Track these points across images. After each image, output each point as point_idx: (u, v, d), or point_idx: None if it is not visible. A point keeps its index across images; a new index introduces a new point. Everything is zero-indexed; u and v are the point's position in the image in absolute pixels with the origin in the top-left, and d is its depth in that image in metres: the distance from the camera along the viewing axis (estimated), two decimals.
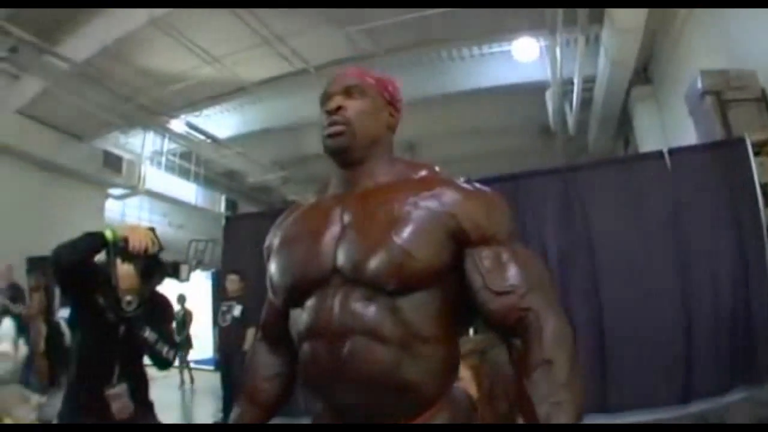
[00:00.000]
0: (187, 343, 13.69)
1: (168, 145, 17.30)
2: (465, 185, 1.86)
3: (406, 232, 1.71)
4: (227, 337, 9.03)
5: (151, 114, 14.92)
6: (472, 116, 15.51)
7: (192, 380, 14.34)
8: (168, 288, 3.79)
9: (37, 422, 6.64)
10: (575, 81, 12.24)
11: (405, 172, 1.94)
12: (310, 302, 1.80)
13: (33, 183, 13.85)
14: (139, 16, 10.32)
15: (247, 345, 8.27)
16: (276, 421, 2.13)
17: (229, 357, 9.03)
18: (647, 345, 6.53)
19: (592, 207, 7.05)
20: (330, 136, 1.90)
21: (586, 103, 13.43)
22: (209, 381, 13.09)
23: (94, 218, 14.87)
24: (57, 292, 9.91)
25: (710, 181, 6.76)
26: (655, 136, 12.25)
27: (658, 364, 6.48)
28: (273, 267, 1.96)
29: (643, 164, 7.29)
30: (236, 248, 8.90)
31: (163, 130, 16.38)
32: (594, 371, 6.45)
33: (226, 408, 8.84)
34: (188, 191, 18.90)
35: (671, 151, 7.08)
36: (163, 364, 3.55)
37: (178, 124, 15.77)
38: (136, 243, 3.35)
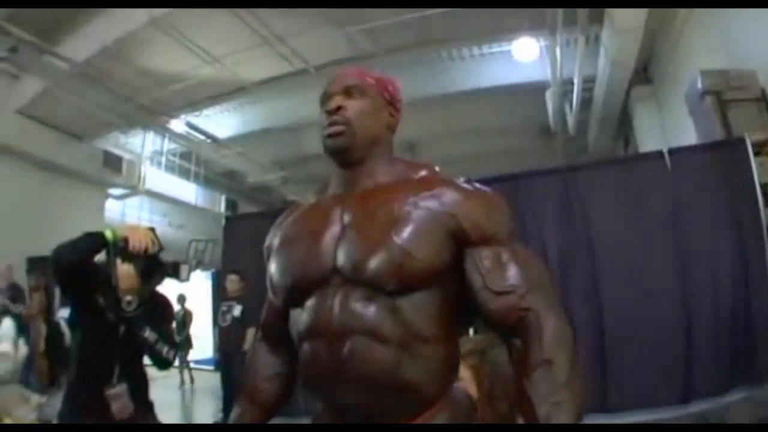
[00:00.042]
0: (187, 343, 13.69)
1: (168, 145, 17.30)
2: (465, 185, 1.86)
3: (406, 232, 1.71)
4: (227, 337, 9.03)
5: (151, 114, 14.92)
6: (472, 116, 15.51)
7: (192, 380, 14.34)
8: (168, 288, 3.79)
9: (37, 422, 6.64)
10: (575, 81, 12.24)
11: (405, 172, 1.94)
12: (310, 302, 1.80)
13: (33, 183, 13.85)
14: (139, 16, 10.32)
15: (247, 345, 8.27)
16: (276, 421, 2.13)
17: (229, 357, 9.03)
18: (647, 345, 6.54)
19: (592, 207, 7.05)
20: (330, 136, 1.90)
21: (586, 103, 13.43)
22: (209, 381, 13.09)
23: (94, 218, 14.87)
24: (57, 292, 9.92)
25: (710, 181, 6.76)
26: (655, 136, 12.25)
27: (658, 364, 6.48)
28: (273, 267, 1.96)
29: (643, 164, 7.29)
30: (236, 248, 8.90)
31: (163, 130, 16.39)
32: (594, 371, 6.45)
33: (226, 408, 8.84)
34: (188, 191, 18.91)
35: (671, 151, 7.09)
36: (164, 364, 3.55)
37: (178, 124, 15.77)
38: (136, 243, 3.35)
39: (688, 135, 8.84)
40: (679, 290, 6.61)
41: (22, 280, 10.98)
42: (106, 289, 3.39)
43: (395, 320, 1.67)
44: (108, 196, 17.04)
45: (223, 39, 11.91)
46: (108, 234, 3.35)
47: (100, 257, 3.43)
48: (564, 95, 13.41)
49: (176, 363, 11.06)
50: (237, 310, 8.83)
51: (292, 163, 18.88)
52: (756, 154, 6.69)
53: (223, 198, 21.04)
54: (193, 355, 14.83)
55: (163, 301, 3.81)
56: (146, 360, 3.60)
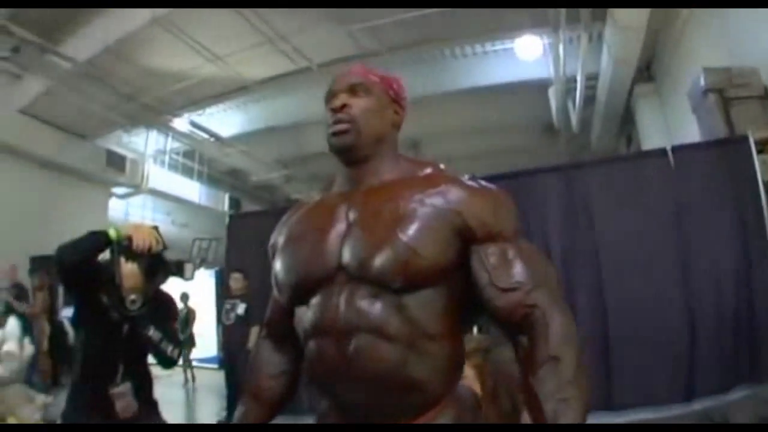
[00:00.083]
0: (190, 342, 13.69)
1: (171, 143, 17.33)
2: (470, 183, 1.85)
3: (412, 229, 1.70)
4: (231, 336, 9.03)
5: (154, 113, 14.94)
6: (475, 114, 15.51)
7: (193, 378, 14.32)
8: (171, 286, 3.78)
9: (42, 422, 6.64)
10: (578, 79, 12.23)
11: (410, 170, 1.94)
12: (315, 300, 1.79)
13: (36, 182, 13.87)
14: (142, 15, 10.33)
15: (251, 343, 8.27)
16: (280, 419, 2.13)
17: (232, 355, 9.03)
18: (651, 343, 6.53)
19: (595, 205, 7.05)
20: (335, 134, 1.90)
21: (589, 100, 13.44)
22: (213, 379, 13.10)
23: (98, 217, 14.90)
24: (60, 291, 9.94)
25: (713, 179, 6.76)
26: (658, 134, 12.25)
27: (661, 362, 6.48)
28: (278, 265, 1.95)
29: (646, 162, 7.29)
30: (240, 247, 8.92)
31: (167, 129, 16.41)
32: (598, 369, 6.45)
33: (230, 406, 8.84)
34: (191, 190, 18.93)
35: (674, 149, 7.08)
36: (168, 362, 3.54)
37: (181, 123, 15.80)
38: (140, 241, 3.34)
39: (691, 132, 8.83)
40: (682, 288, 6.61)
41: (26, 279, 10.99)
42: (110, 288, 3.38)
43: (401, 318, 1.67)
44: (111, 195, 17.08)
45: (226, 37, 11.92)
46: (112, 233, 3.33)
47: (104, 256, 3.42)
48: (567, 93, 13.41)
49: (180, 361, 11.07)
50: (241, 309, 8.84)
51: (296, 161, 18.91)
52: (759, 151, 6.69)
53: (227, 196, 21.07)
54: (196, 354, 14.83)
55: (167, 300, 3.79)
56: (150, 359, 3.60)
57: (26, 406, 6.89)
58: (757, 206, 6.53)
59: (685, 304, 6.56)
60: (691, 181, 6.81)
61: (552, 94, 13.67)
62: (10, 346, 6.96)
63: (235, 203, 21.22)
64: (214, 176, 19.47)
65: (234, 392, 8.79)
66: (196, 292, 13.54)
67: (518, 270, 1.68)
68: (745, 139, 6.77)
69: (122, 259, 3.37)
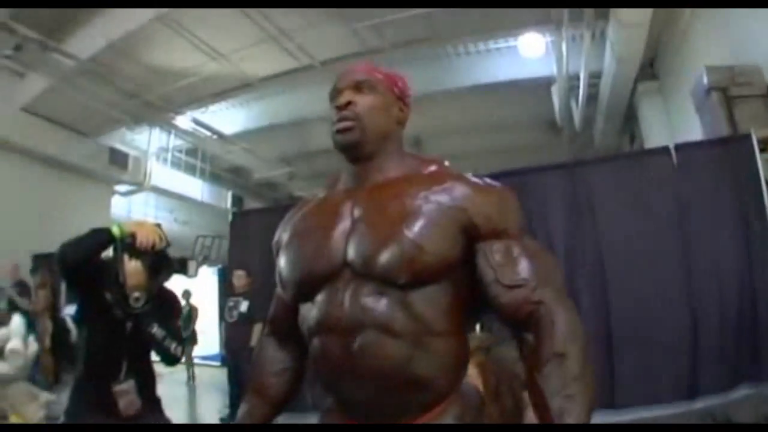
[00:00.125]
0: (192, 339, 13.68)
1: (174, 141, 17.32)
2: (476, 180, 1.86)
3: (418, 226, 1.71)
4: (234, 333, 9.02)
5: (157, 110, 14.93)
6: (478, 112, 15.51)
7: (193, 377, 14.28)
8: (173, 284, 3.77)
9: (46, 420, 6.65)
10: (581, 76, 12.24)
11: (415, 167, 1.94)
12: (320, 297, 1.79)
13: (39, 180, 13.85)
14: (144, 12, 10.33)
15: (254, 341, 8.28)
16: (283, 416, 2.13)
17: (235, 353, 9.02)
18: (653, 341, 6.54)
19: (598, 203, 7.06)
20: (340, 131, 1.90)
21: (591, 98, 13.41)
22: (215, 377, 13.10)
23: (100, 215, 14.84)
24: (63, 289, 9.94)
25: (716, 177, 6.76)
26: (661, 132, 12.23)
27: (664, 361, 6.48)
28: (283, 262, 1.95)
29: (649, 160, 7.29)
30: (243, 244, 8.94)
31: (169, 127, 16.41)
32: (601, 368, 6.44)
33: (233, 404, 8.86)
34: (194, 187, 18.93)
35: (677, 147, 7.08)
36: (171, 360, 3.53)
37: (183, 121, 15.80)
38: (144, 239, 3.34)
39: (694, 130, 8.83)
40: (685, 286, 6.62)
41: (28, 277, 10.99)
42: (113, 286, 3.37)
43: (407, 314, 1.67)
44: (114, 192, 17.05)
45: (229, 35, 11.93)
46: (115, 230, 3.32)
47: (107, 254, 3.42)
48: (570, 91, 13.39)
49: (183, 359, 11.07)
50: (244, 306, 8.83)
51: (298, 158, 18.92)
52: (762, 150, 6.69)
53: (229, 194, 21.10)
54: (199, 351, 14.83)
55: (170, 297, 3.79)
56: (153, 356, 3.59)
57: (30, 404, 6.90)
58: (760, 204, 6.53)
59: (688, 302, 6.57)
60: (693, 179, 6.81)
61: (555, 91, 13.67)
62: (15, 343, 6.96)
63: (237, 201, 21.24)
64: (216, 174, 19.44)
65: (237, 390, 8.80)
66: (199, 289, 13.53)
67: (523, 267, 1.69)
68: (748, 137, 6.77)
69: (126, 257, 3.37)
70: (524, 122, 16.66)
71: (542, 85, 13.67)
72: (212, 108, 15.72)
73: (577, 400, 1.47)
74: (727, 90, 7.59)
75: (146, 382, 3.53)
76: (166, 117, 15.52)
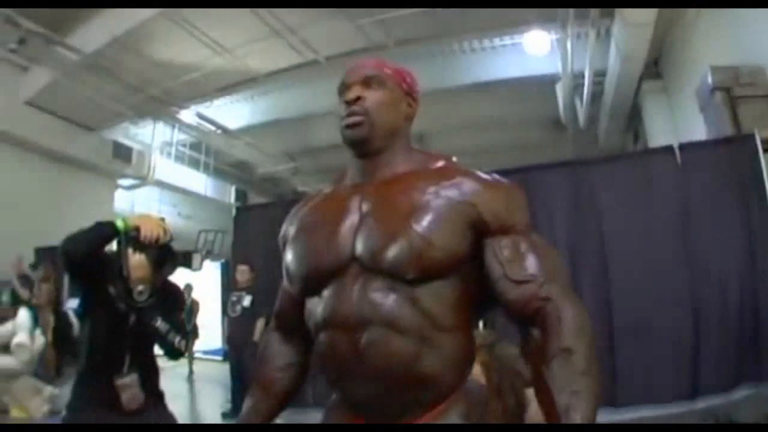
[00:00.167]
0: (193, 333, 13.69)
1: (178, 135, 17.30)
2: (484, 176, 1.86)
3: (426, 220, 1.71)
4: (237, 328, 9.05)
5: (161, 104, 14.93)
6: (482, 109, 15.49)
7: (192, 371, 14.28)
8: (176, 278, 3.77)
9: (50, 414, 6.65)
10: (586, 74, 12.21)
11: (423, 163, 1.94)
12: (327, 292, 1.79)
13: (42, 174, 13.88)
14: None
15: (257, 336, 8.31)
16: (284, 412, 2.13)
17: (238, 348, 9.06)
18: (655, 340, 6.54)
19: (602, 201, 7.06)
20: (349, 126, 1.90)
21: (596, 96, 13.41)
22: (217, 371, 13.13)
23: (104, 209, 14.87)
24: (65, 282, 9.94)
25: (720, 177, 6.76)
26: (665, 131, 12.21)
27: (665, 360, 6.49)
28: (289, 256, 1.95)
29: (653, 159, 7.29)
30: (246, 239, 8.95)
31: (173, 121, 16.40)
32: (603, 366, 6.44)
33: (235, 399, 8.88)
34: (198, 182, 18.90)
35: (681, 147, 7.08)
36: (175, 354, 3.52)
37: (188, 115, 15.82)
38: (148, 232, 3.33)
39: (698, 130, 8.83)
40: (687, 285, 6.61)
41: (31, 271, 11.00)
42: (116, 279, 3.37)
43: (414, 310, 1.67)
44: (118, 186, 17.07)
45: (234, 30, 11.92)
46: (119, 223, 3.32)
47: (111, 247, 3.43)
48: (575, 89, 13.38)
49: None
50: (247, 301, 8.86)
51: (303, 154, 18.94)
52: (765, 150, 6.69)
53: (233, 189, 21.08)
54: (201, 346, 14.86)
55: (175, 291, 3.80)
56: (156, 350, 3.60)
57: (34, 398, 6.91)
58: (763, 205, 6.52)
59: (690, 301, 6.57)
60: (697, 178, 6.81)
61: (559, 89, 13.65)
62: (21, 337, 6.97)
63: (241, 195, 21.23)
64: (220, 168, 19.44)
65: (239, 384, 8.83)
66: (202, 284, 13.56)
67: (531, 263, 1.69)
68: (752, 137, 6.77)
69: (130, 250, 3.37)
70: (528, 120, 16.66)
71: (547, 83, 13.65)
72: (216, 102, 15.71)
73: (584, 396, 1.47)
74: (731, 90, 7.59)
75: (149, 376, 3.53)
76: (170, 111, 15.52)
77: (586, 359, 1.53)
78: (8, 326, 6.99)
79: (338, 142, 1.95)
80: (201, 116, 15.97)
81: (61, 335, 8.65)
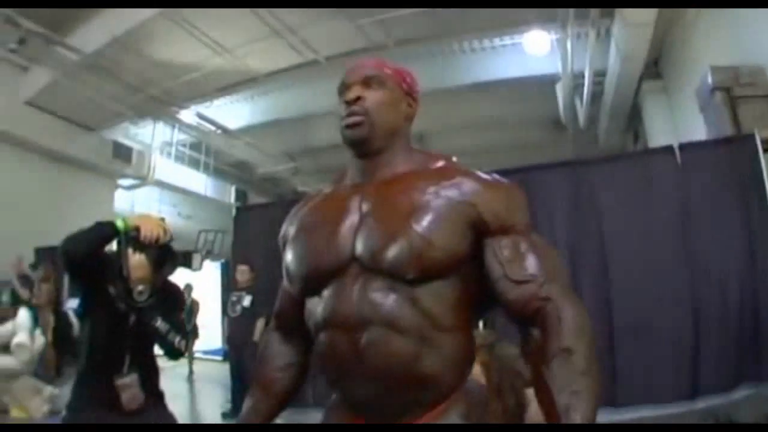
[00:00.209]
0: (193, 333, 13.68)
1: (178, 135, 17.30)
2: (484, 176, 1.86)
3: (427, 220, 1.71)
4: (237, 328, 9.05)
5: (161, 104, 14.93)
6: (482, 109, 15.49)
7: (192, 370, 14.28)
8: (176, 278, 3.77)
9: (50, 414, 6.65)
10: (586, 74, 12.21)
11: (423, 163, 1.94)
12: (327, 292, 1.79)
13: (42, 173, 13.89)
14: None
15: (257, 336, 8.32)
16: (284, 412, 2.13)
17: (238, 348, 9.07)
18: (655, 340, 6.55)
19: (602, 201, 7.06)
20: (349, 126, 1.90)
21: (596, 96, 13.42)
22: (217, 371, 13.13)
23: (104, 209, 14.87)
24: (65, 282, 9.95)
25: (720, 177, 6.76)
26: (664, 131, 12.22)
27: (665, 360, 6.49)
28: (289, 255, 1.95)
29: (653, 159, 7.30)
30: (246, 239, 8.95)
31: (173, 121, 16.39)
32: (603, 366, 6.44)
33: (235, 399, 8.89)
34: (198, 182, 18.89)
35: (681, 147, 7.08)
36: (175, 354, 3.52)
37: (188, 115, 15.82)
38: (148, 232, 3.32)
39: (698, 130, 8.83)
40: (686, 286, 6.62)
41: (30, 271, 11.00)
42: (117, 279, 3.37)
43: (414, 310, 1.67)
44: (117, 186, 17.07)
45: (234, 30, 11.92)
46: (119, 223, 3.32)
47: (111, 247, 3.42)
48: (575, 89, 13.38)
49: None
50: (247, 301, 8.86)
51: (302, 154, 18.94)
52: (765, 150, 6.69)
53: (233, 189, 21.08)
54: (201, 346, 14.86)
55: (175, 291, 3.80)
56: (156, 350, 3.59)
57: (34, 398, 6.91)
58: (763, 205, 6.53)
59: (690, 301, 6.57)
60: (697, 178, 6.81)
61: (559, 89, 13.65)
62: (22, 337, 6.97)
63: (241, 195, 21.23)
64: (220, 168, 19.45)
65: (239, 384, 8.84)
66: (202, 284, 13.56)
67: (531, 263, 1.69)
68: (752, 137, 6.78)
69: (130, 250, 3.36)
70: (528, 120, 16.66)
71: (547, 83, 13.65)
72: (216, 102, 15.72)
73: (584, 396, 1.47)
74: (731, 90, 7.60)
75: (149, 376, 3.53)
76: (170, 111, 15.52)
77: (586, 359, 1.53)
78: (8, 326, 6.99)
79: (338, 142, 1.95)
80: (201, 116, 15.97)
81: (61, 335, 8.65)
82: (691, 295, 6.58)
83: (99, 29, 10.86)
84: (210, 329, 14.51)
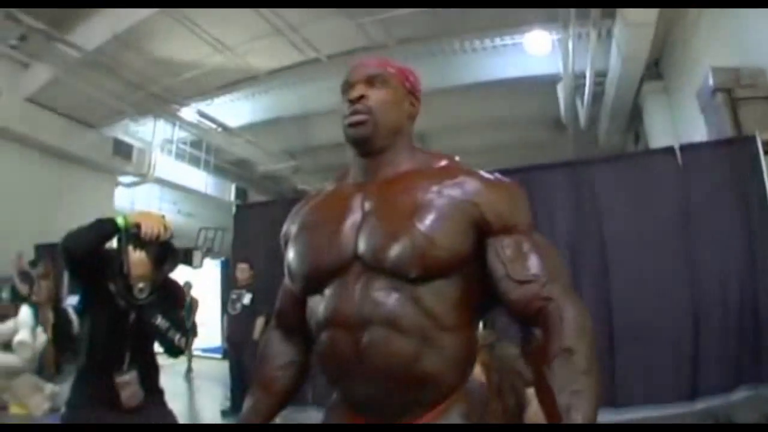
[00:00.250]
0: (192, 331, 13.67)
1: (178, 133, 17.30)
2: (487, 175, 1.86)
3: (429, 219, 1.71)
4: (237, 326, 9.05)
5: (161, 102, 14.94)
6: (483, 108, 15.48)
7: (191, 368, 14.27)
8: (175, 276, 3.76)
9: (50, 412, 6.66)
10: (587, 75, 12.21)
11: (426, 162, 1.93)
12: (329, 290, 1.79)
13: (42, 170, 13.89)
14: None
15: (256, 334, 8.32)
16: (284, 411, 2.13)
17: (237, 346, 9.05)
18: (655, 341, 6.55)
19: (602, 202, 7.07)
20: (352, 125, 1.89)
21: (597, 97, 13.42)
22: (216, 369, 13.12)
23: (104, 206, 14.83)
24: (65, 279, 9.95)
25: (720, 179, 6.77)
26: (665, 132, 12.23)
27: (665, 361, 6.49)
28: (291, 254, 1.94)
29: (654, 160, 7.30)
30: (246, 237, 8.96)
31: (174, 118, 16.40)
32: (603, 367, 6.44)
33: (234, 396, 8.88)
34: (198, 179, 18.91)
35: (682, 148, 7.08)
36: (175, 351, 3.52)
37: (188, 113, 15.81)
38: (149, 229, 3.31)
39: (698, 131, 8.84)
40: (687, 287, 6.62)
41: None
42: (117, 277, 3.36)
43: (416, 310, 1.67)
44: (118, 183, 17.07)
45: (235, 28, 11.93)
46: (120, 220, 3.31)
47: (111, 244, 3.42)
48: (575, 89, 13.37)
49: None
50: (247, 299, 8.86)
51: (303, 152, 18.94)
52: (766, 152, 6.69)
53: (233, 186, 21.06)
54: (200, 344, 14.85)
55: (175, 288, 3.78)
56: (156, 347, 3.59)
57: (35, 396, 6.92)
58: (763, 206, 6.54)
59: (690, 302, 6.58)
60: (697, 179, 6.82)
61: (560, 89, 13.65)
62: (24, 335, 6.98)
63: (241, 193, 21.22)
64: (220, 166, 19.46)
65: (238, 382, 8.84)
66: (202, 281, 13.56)
67: (534, 263, 1.69)
68: (753, 139, 6.79)
69: (130, 247, 3.35)
70: (529, 120, 16.66)
71: (548, 83, 13.65)
72: (217, 100, 15.71)
73: (584, 396, 1.47)
74: (732, 91, 7.61)
75: (149, 374, 3.52)
76: (171, 109, 15.52)
77: (587, 359, 1.53)
78: (10, 324, 7.00)
79: (339, 140, 1.95)
80: (202, 114, 15.96)
81: (60, 332, 8.67)
82: (691, 295, 6.58)
83: (100, 26, 10.87)
84: (210, 327, 14.50)
